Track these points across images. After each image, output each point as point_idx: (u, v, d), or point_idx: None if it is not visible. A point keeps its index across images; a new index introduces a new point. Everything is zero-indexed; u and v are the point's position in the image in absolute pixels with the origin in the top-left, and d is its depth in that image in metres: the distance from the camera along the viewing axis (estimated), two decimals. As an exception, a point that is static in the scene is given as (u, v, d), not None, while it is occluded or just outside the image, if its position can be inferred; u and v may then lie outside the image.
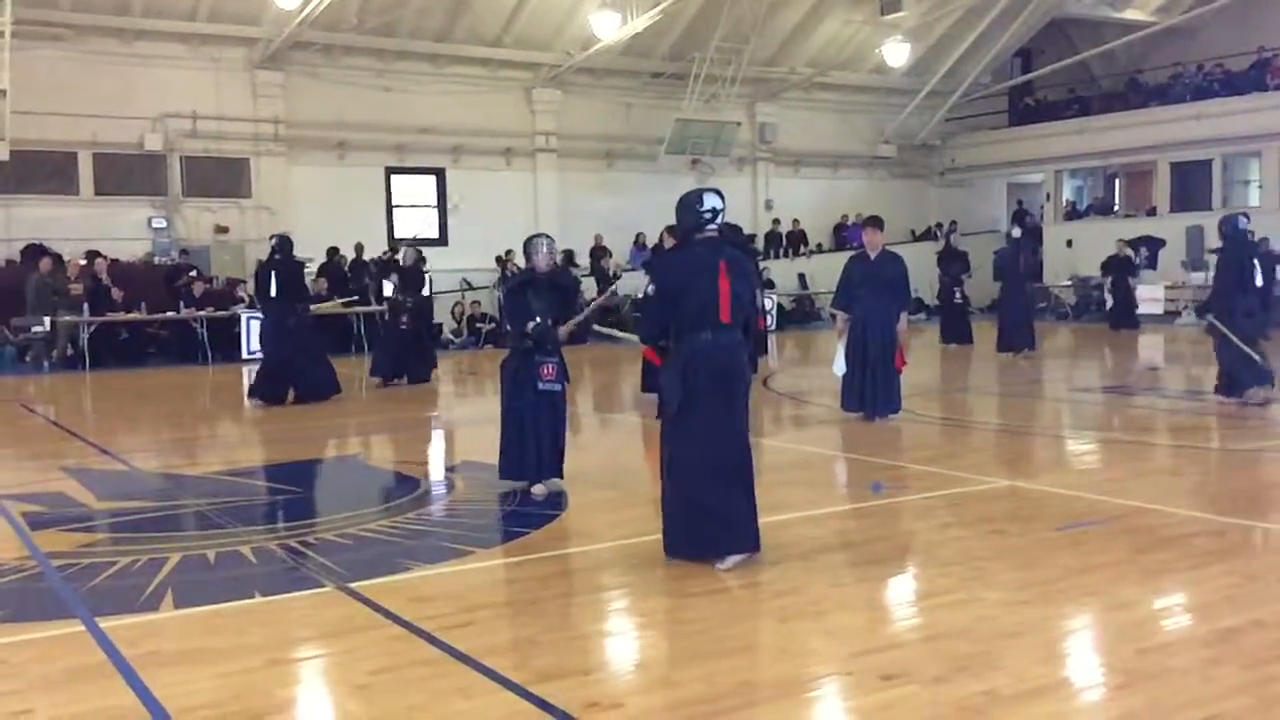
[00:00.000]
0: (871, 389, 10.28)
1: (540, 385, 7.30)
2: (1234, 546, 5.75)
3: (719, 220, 5.65)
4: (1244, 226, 11.14)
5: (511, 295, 7.60)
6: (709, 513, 5.46)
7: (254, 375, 13.21)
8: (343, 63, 22.23)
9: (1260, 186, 24.49)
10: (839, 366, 10.48)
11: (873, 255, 10.50)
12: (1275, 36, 24.74)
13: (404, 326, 14.74)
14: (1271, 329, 11.37)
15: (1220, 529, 6.09)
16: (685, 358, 5.54)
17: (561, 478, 7.48)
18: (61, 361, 17.97)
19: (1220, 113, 24.31)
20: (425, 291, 15.56)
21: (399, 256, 16.00)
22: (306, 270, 15.93)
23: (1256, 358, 10.81)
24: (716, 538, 5.48)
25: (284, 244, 12.81)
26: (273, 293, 12.61)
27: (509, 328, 7.59)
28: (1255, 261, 10.91)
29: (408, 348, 14.85)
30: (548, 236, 7.70)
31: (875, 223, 10.69)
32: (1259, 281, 10.87)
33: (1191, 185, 25.51)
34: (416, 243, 16.53)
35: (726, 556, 5.44)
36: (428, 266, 15.93)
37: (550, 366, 7.33)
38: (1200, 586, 5.07)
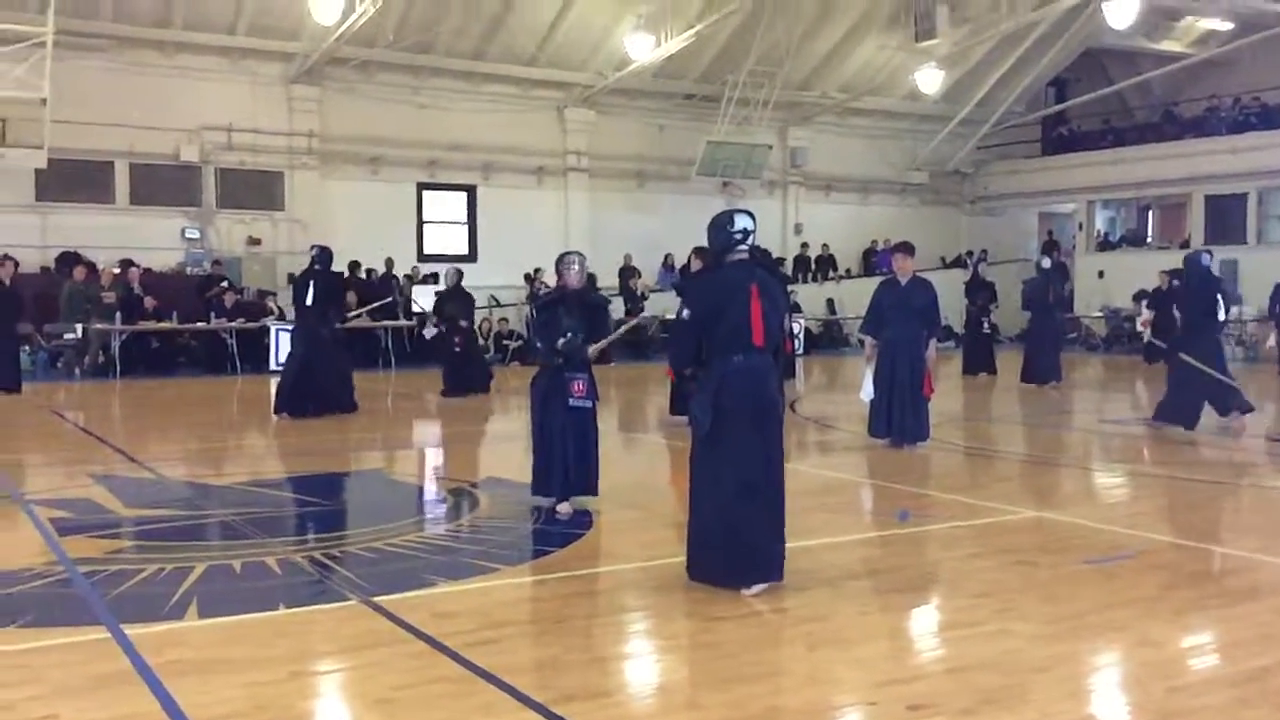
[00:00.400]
0: (899, 416, 10.22)
1: (571, 402, 7.29)
2: (1265, 584, 5.66)
3: (750, 241, 5.64)
4: (1207, 263, 11.80)
5: (543, 311, 7.62)
6: (736, 539, 5.41)
7: (277, 388, 13.23)
8: (378, 79, 22.43)
9: (1296, 221, 24.31)
10: (867, 392, 10.43)
11: (903, 281, 10.46)
12: (1313, 70, 24.59)
13: (457, 348, 15.32)
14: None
15: (1252, 566, 6.01)
16: (717, 381, 5.50)
17: (596, 494, 7.46)
18: (93, 369, 18.13)
19: (1256, 146, 24.13)
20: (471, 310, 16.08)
21: (441, 275, 16.29)
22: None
23: (1233, 383, 11.28)
24: (741, 565, 5.43)
25: (324, 255, 12.92)
26: (308, 302, 12.71)
27: (539, 344, 7.58)
28: (1219, 296, 11.41)
29: (470, 363, 15.58)
30: (579, 254, 7.70)
31: (906, 249, 10.65)
32: (1221, 316, 11.61)
33: (1226, 218, 25.31)
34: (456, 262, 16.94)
35: (751, 584, 5.40)
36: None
37: (580, 383, 7.31)
38: (1231, 624, 5.00)
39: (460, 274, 15.79)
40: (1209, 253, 12.61)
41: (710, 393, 5.51)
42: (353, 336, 20.00)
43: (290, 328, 14.56)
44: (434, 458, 11.03)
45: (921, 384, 10.24)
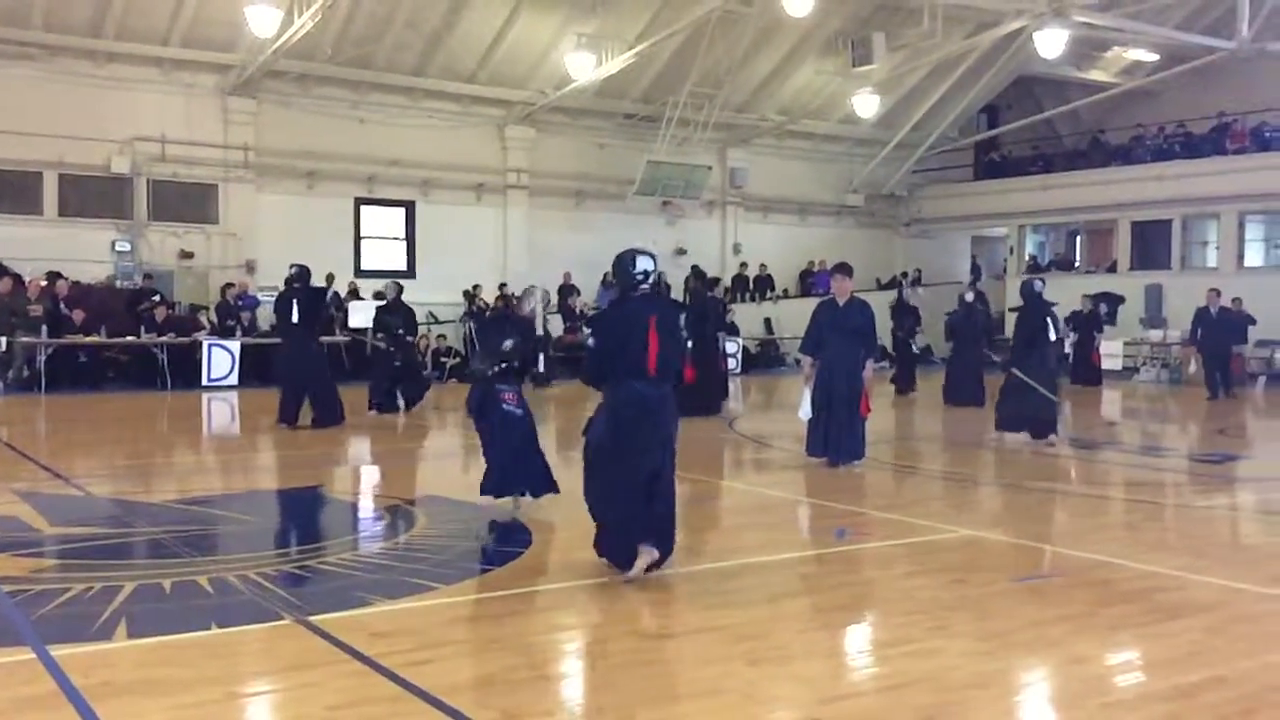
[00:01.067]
0: (836, 435, 10.31)
1: (504, 408, 7.78)
2: (1194, 602, 5.79)
3: (651, 280, 6.27)
4: (1039, 289, 12.69)
5: (488, 325, 8.08)
6: (653, 512, 6.04)
7: (279, 403, 13.37)
8: (316, 92, 22.22)
9: (1218, 248, 24.98)
10: (805, 411, 10.52)
11: (841, 302, 10.57)
12: (1235, 102, 25.33)
13: (397, 362, 15.14)
14: (1060, 377, 13.39)
15: (1181, 584, 6.14)
16: (619, 402, 6.08)
17: (556, 491, 7.83)
18: (17, 383, 17.67)
19: (1180, 174, 24.81)
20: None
21: (383, 291, 16.23)
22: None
23: (1055, 400, 12.28)
24: (662, 534, 6.09)
25: (303, 273, 13.32)
26: (294, 319, 13.05)
27: (479, 352, 8.14)
28: (1049, 320, 12.36)
29: (404, 377, 15.35)
30: (545, 291, 8.25)
31: (844, 270, 10.77)
32: (1053, 336, 12.54)
33: (1151, 244, 25.97)
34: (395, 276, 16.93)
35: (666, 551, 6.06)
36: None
37: (512, 394, 7.86)
38: (1161, 641, 5.10)
39: (400, 287, 15.72)
40: (1041, 280, 13.88)
41: (611, 411, 6.10)
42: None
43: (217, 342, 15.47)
44: (371, 474, 10.90)
45: (859, 403, 10.35)
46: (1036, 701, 4.51)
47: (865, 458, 10.46)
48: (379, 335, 15.77)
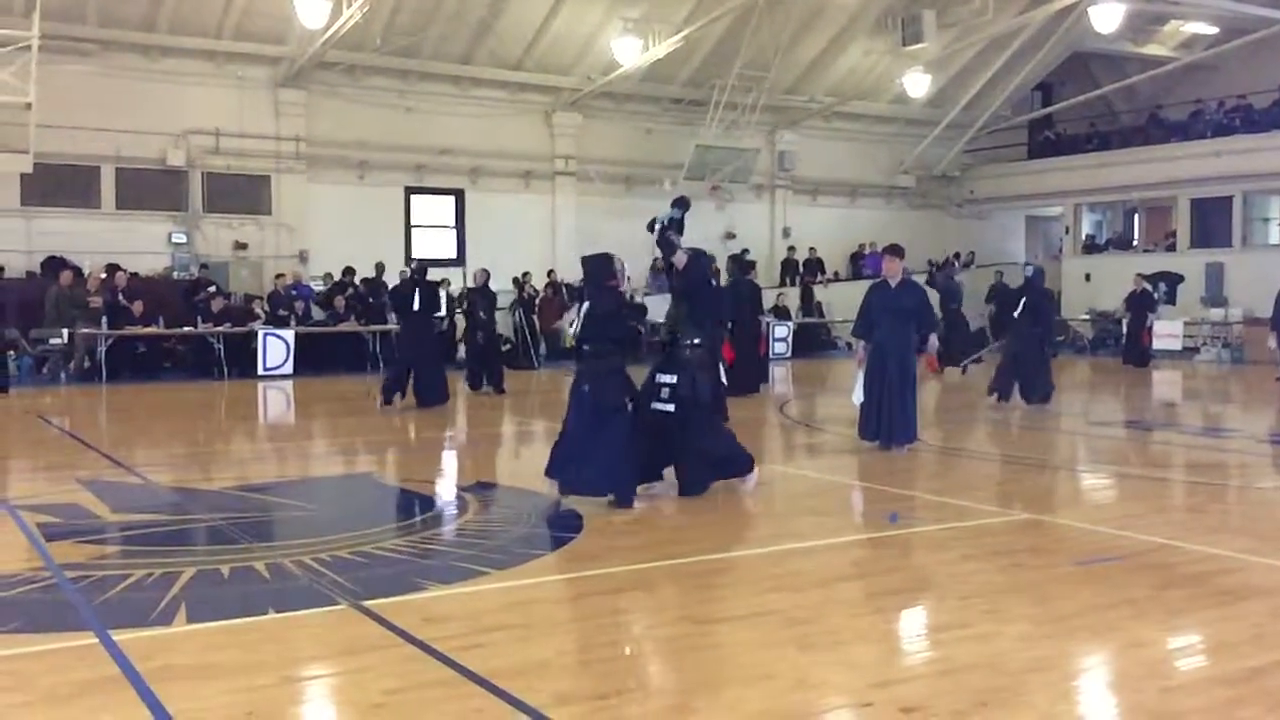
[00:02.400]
0: (888, 418, 10.22)
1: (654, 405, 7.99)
2: (1256, 585, 5.67)
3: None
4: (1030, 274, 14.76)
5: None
6: None
7: (385, 381, 14.46)
8: (365, 83, 22.38)
9: (1280, 225, 24.45)
10: (857, 395, 10.43)
11: (892, 284, 10.47)
12: (1297, 74, 24.74)
13: (481, 342, 16.27)
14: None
15: (1242, 566, 6.02)
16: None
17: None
18: (79, 374, 18.03)
19: (1241, 149, 24.26)
20: (441, 310, 17.42)
21: (469, 275, 17.78)
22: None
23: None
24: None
25: (422, 267, 14.90)
26: (415, 308, 14.40)
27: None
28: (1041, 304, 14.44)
29: (491, 360, 16.44)
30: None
31: (895, 251, 10.65)
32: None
33: (1211, 221, 25.44)
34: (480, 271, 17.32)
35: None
36: (452, 287, 17.29)
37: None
38: (1223, 625, 5.00)
39: (487, 274, 16.48)
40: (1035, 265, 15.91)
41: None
42: (338, 339, 20.07)
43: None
44: (424, 461, 10.99)
45: (912, 387, 10.25)
46: (1095, 686, 4.44)
47: (917, 440, 10.36)
48: (468, 314, 16.92)
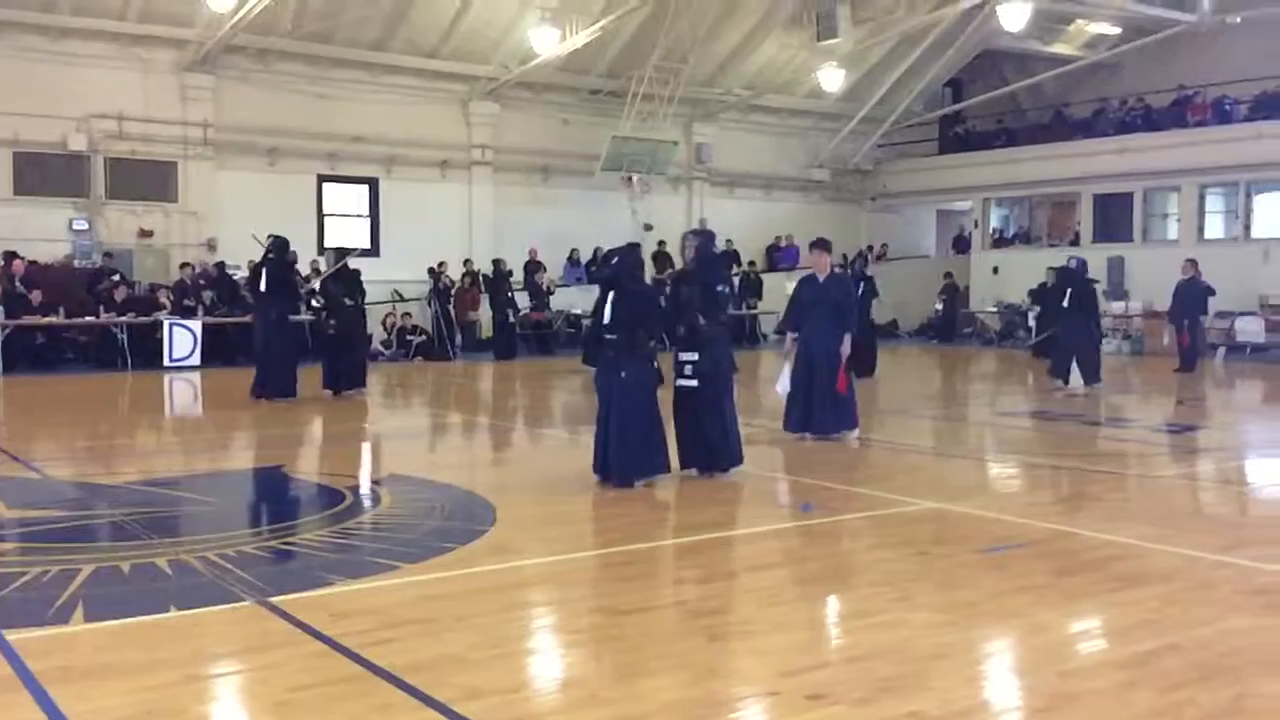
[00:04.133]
0: (818, 410, 10.36)
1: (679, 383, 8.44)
2: (1152, 571, 5.86)
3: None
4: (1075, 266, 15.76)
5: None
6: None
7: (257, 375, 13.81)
8: (276, 68, 21.92)
9: (1179, 220, 25.19)
10: (783, 386, 10.53)
11: (821, 278, 10.59)
12: (1195, 75, 25.50)
13: (331, 331, 14.44)
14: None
15: (1139, 553, 6.21)
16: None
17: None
18: (-26, 365, 17.43)
19: (1141, 147, 24.96)
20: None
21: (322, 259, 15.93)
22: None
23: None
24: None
25: (278, 244, 13.67)
26: (262, 288, 13.50)
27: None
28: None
29: (348, 354, 14.44)
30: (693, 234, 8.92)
31: (823, 245, 10.79)
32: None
33: (1113, 216, 26.15)
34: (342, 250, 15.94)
35: None
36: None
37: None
38: (1119, 610, 5.16)
39: (343, 253, 15.17)
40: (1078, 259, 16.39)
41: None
42: (249, 330, 19.62)
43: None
44: (333, 454, 10.83)
45: (838, 379, 10.36)
46: (996, 670, 4.55)
47: (858, 427, 10.49)
48: (323, 304, 14.97)
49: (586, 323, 22.26)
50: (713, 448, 8.35)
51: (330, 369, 14.33)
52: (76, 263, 20.06)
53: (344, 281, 14.59)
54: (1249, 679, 4.25)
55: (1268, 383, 18.02)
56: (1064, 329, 15.77)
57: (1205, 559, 6.09)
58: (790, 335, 10.72)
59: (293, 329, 14.69)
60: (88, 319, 18.49)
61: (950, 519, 7.18)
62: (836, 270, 10.72)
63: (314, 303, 15.92)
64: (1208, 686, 4.15)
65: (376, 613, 5.00)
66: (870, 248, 28.90)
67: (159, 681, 4.14)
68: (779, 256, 28.10)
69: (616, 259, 8.33)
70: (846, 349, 10.32)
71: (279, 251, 13.65)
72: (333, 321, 14.43)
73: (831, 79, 25.88)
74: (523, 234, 23.79)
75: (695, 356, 8.32)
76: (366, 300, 17.20)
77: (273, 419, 12.45)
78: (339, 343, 14.38)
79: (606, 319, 8.03)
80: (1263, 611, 5.14)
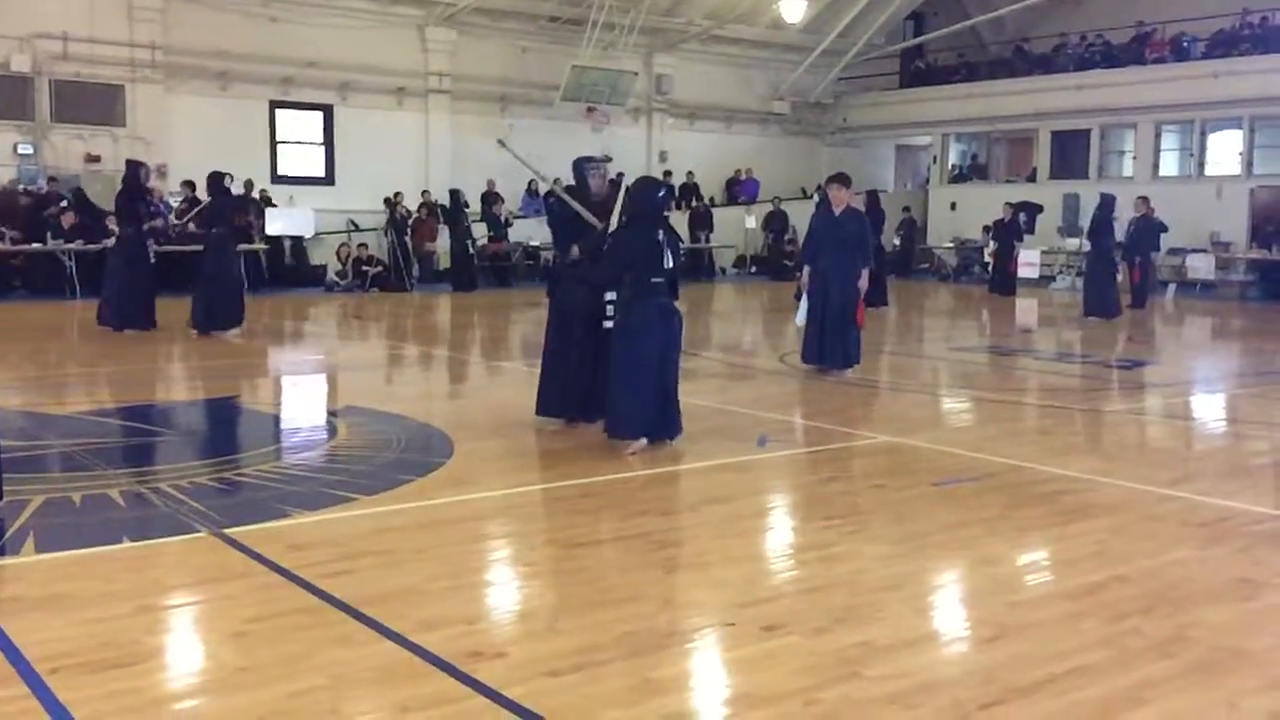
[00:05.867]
0: (831, 343, 10.47)
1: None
2: (1100, 503, 5.97)
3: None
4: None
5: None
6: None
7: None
8: (226, -12, 21.33)
9: (1134, 158, 25.35)
10: (801, 318, 10.72)
11: (837, 212, 10.59)
12: (1156, 11, 25.52)
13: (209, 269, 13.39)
14: None
15: (1088, 486, 6.32)
16: None
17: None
18: (-84, 292, 17.03)
19: (1099, 84, 25.02)
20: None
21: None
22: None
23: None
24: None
25: (214, 178, 13.33)
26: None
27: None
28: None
29: (221, 292, 13.40)
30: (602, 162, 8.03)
31: (842, 180, 10.77)
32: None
33: (1070, 153, 26.26)
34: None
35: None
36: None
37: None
38: (1067, 542, 5.26)
39: (219, 176, 13.54)
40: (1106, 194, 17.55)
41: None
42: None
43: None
44: (289, 385, 10.74)
45: (853, 313, 10.45)
46: (946, 601, 4.63)
47: (859, 363, 10.62)
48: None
49: (546, 255, 22.13)
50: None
51: (195, 305, 13.35)
52: (22, 188, 19.57)
53: (217, 209, 13.53)
54: (1192, 609, 4.36)
55: (1216, 319, 18.31)
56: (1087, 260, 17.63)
57: (1153, 492, 6.21)
58: (806, 269, 10.79)
59: (139, 259, 13.60)
60: (34, 246, 18.08)
61: (904, 453, 7.26)
62: (851, 205, 10.69)
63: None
64: (1152, 616, 4.25)
65: (334, 544, 4.99)
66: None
67: (112, 613, 4.12)
68: (739, 190, 28.00)
69: (664, 192, 7.34)
70: (864, 284, 10.42)
71: (133, 177, 13.56)
72: (207, 252, 13.51)
73: (793, 9, 25.60)
74: (481, 165, 23.45)
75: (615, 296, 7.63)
76: (321, 231, 16.72)
77: (225, 350, 12.30)
78: (206, 277, 13.35)
79: (668, 262, 6.94)
80: (1207, 543, 5.27)
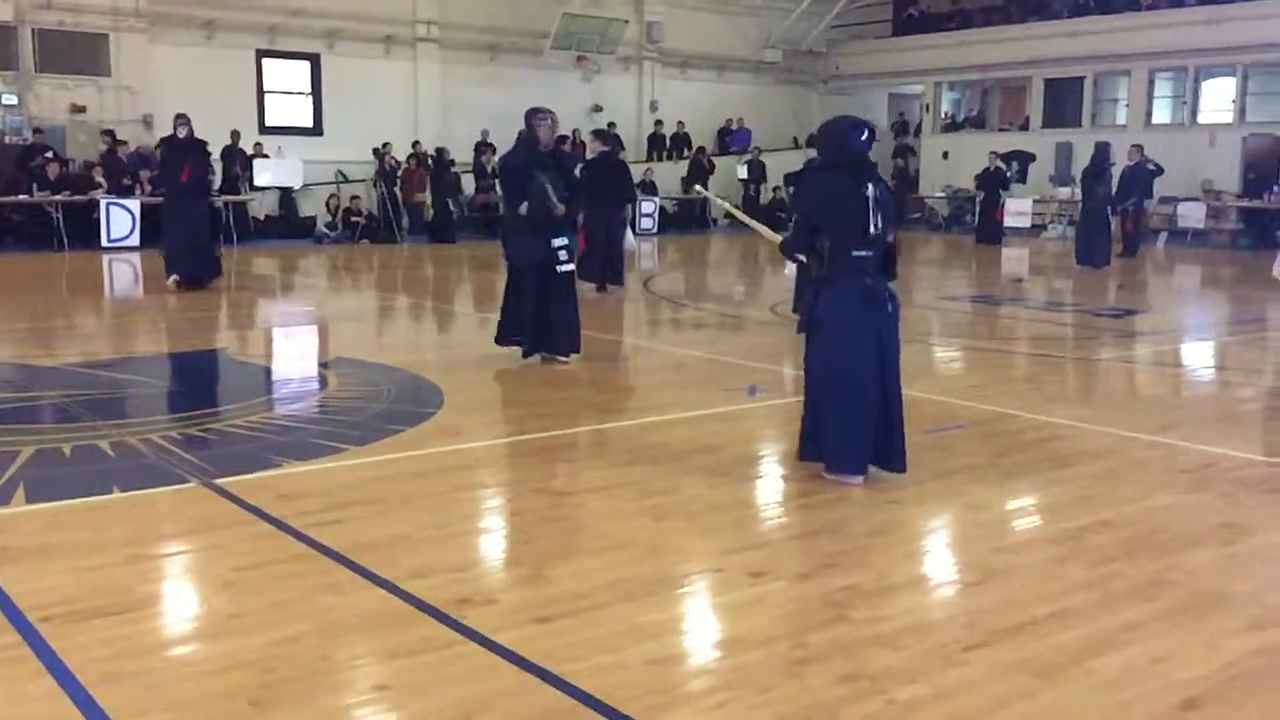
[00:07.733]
0: None
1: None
2: (1086, 450, 6.01)
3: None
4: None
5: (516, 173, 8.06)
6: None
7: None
8: (210, -65, 20.99)
9: (1128, 106, 25.21)
10: (790, 270, 10.88)
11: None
12: (1150, -43, 25.26)
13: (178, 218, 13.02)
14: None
15: (1075, 434, 6.36)
16: None
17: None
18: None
19: (1094, 30, 24.80)
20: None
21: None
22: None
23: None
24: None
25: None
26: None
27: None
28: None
29: (190, 242, 13.00)
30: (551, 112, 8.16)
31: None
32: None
33: (1063, 101, 26.09)
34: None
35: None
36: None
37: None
38: (1054, 489, 5.30)
39: (180, 119, 12.90)
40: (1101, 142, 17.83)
41: None
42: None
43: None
44: (279, 337, 10.72)
45: None
46: (933, 547, 4.67)
47: None
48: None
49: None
50: (575, 331, 8.28)
51: (166, 253, 13.11)
52: (6, 139, 19.37)
53: (187, 154, 12.93)
54: (1173, 553, 4.41)
55: (1207, 268, 18.32)
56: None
57: (1139, 439, 6.26)
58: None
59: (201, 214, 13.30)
60: (20, 198, 17.94)
61: (893, 401, 7.26)
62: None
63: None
64: (1134, 560, 4.30)
65: (324, 494, 5.01)
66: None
67: (103, 562, 4.14)
68: (730, 139, 27.81)
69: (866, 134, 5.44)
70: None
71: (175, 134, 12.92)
72: (175, 202, 13.15)
73: (786, -44, 25.31)
74: (471, 115, 23.26)
75: (566, 241, 8.07)
76: (310, 182, 16.38)
77: (218, 301, 12.26)
78: (185, 232, 12.95)
79: (876, 226, 5.24)
80: (1189, 489, 5.31)
